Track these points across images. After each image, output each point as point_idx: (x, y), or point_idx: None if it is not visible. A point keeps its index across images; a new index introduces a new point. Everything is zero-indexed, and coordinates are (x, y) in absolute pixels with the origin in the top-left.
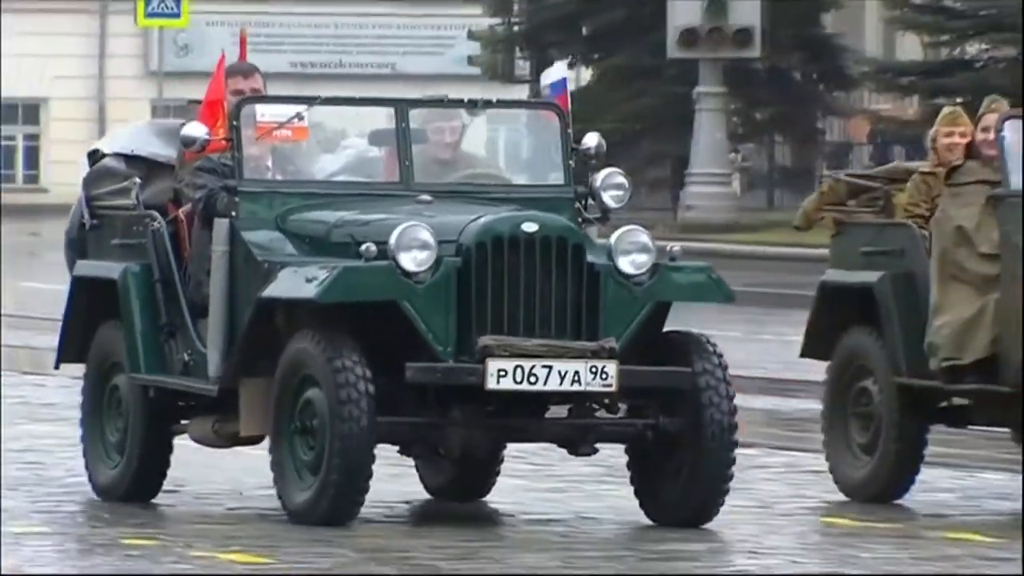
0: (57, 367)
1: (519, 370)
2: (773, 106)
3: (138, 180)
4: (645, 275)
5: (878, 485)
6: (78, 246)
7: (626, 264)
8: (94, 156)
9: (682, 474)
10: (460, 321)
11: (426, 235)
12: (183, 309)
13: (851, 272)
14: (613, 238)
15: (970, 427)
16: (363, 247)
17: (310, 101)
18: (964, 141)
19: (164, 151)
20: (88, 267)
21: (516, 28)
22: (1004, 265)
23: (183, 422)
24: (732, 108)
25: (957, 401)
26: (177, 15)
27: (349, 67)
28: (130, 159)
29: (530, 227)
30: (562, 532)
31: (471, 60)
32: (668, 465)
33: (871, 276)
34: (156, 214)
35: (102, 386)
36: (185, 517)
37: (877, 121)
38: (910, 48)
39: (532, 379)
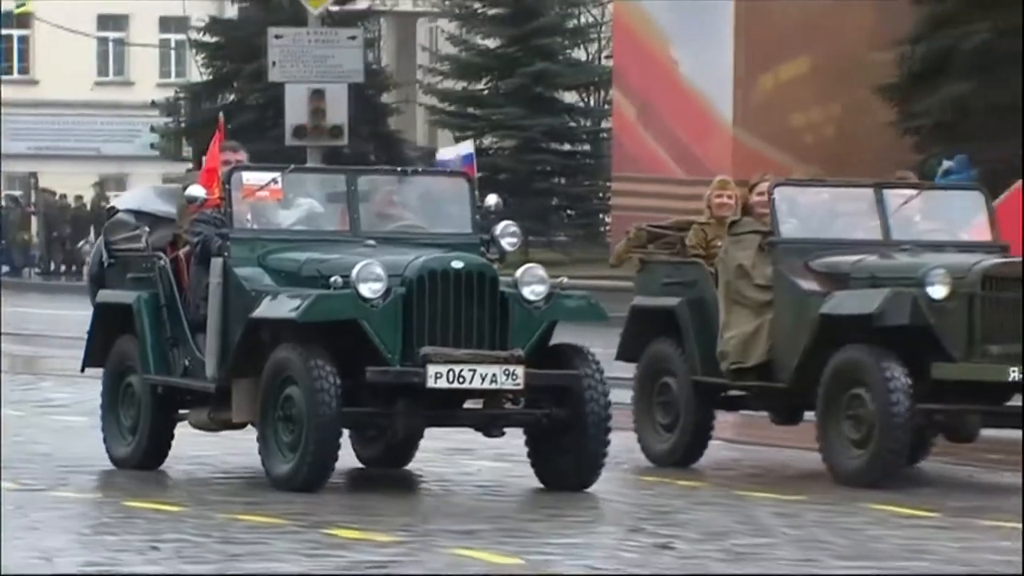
0: (83, 370)
1: (451, 373)
2: None
3: (147, 229)
4: (542, 301)
5: (677, 455)
6: (98, 280)
7: (528, 292)
8: (111, 212)
9: (569, 451)
10: (405, 335)
11: (379, 270)
12: (184, 326)
13: (655, 298)
14: (517, 273)
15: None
16: (332, 279)
17: (283, 169)
18: (731, 201)
19: (164, 208)
20: (108, 295)
21: (182, 124)
22: (776, 293)
23: (182, 411)
24: None
25: (734, 393)
26: None
27: (69, 150)
28: (138, 214)
29: (457, 264)
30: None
31: (153, 146)
32: (559, 444)
33: (672, 301)
34: (162, 254)
35: (118, 383)
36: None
37: None
38: (447, 139)
39: (461, 379)
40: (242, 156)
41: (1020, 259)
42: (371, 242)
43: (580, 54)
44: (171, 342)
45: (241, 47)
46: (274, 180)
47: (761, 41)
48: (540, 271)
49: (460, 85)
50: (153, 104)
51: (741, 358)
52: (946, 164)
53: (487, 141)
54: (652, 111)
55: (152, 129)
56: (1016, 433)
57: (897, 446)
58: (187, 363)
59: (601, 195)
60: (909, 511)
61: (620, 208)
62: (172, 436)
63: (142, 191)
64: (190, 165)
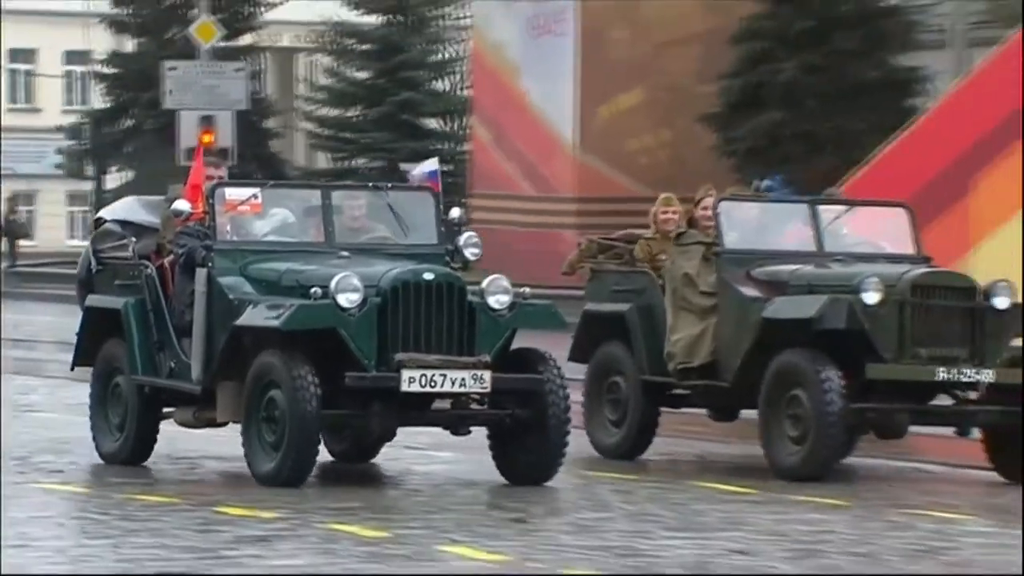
0: (72, 369)
1: (423, 377)
2: None
3: (134, 239)
4: (506, 310)
5: (624, 448)
6: (86, 285)
7: (493, 302)
8: (99, 222)
9: (532, 448)
10: (380, 342)
11: (356, 282)
12: (169, 331)
13: (606, 304)
14: (483, 283)
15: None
16: (312, 290)
17: (263, 185)
18: (675, 216)
19: (148, 218)
20: (97, 300)
21: (86, 146)
22: (720, 299)
23: (167, 410)
24: None
25: (678, 391)
26: None
27: None
28: (124, 224)
29: (428, 276)
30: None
31: (58, 166)
32: (521, 442)
33: (622, 307)
34: (148, 263)
35: (106, 383)
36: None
37: None
38: (323, 159)
39: (432, 383)
40: (223, 171)
41: (946, 269)
42: (345, 253)
43: (441, 85)
44: (157, 345)
45: (138, 78)
46: (254, 195)
47: (599, 75)
48: (504, 282)
49: (335, 112)
50: (59, 128)
51: (687, 359)
52: (765, 183)
53: (359, 162)
54: (505, 136)
55: (58, 151)
56: (944, 430)
57: (832, 443)
58: (173, 365)
59: (460, 209)
60: (733, 488)
61: (478, 221)
62: (157, 432)
63: (128, 202)
64: (93, 182)
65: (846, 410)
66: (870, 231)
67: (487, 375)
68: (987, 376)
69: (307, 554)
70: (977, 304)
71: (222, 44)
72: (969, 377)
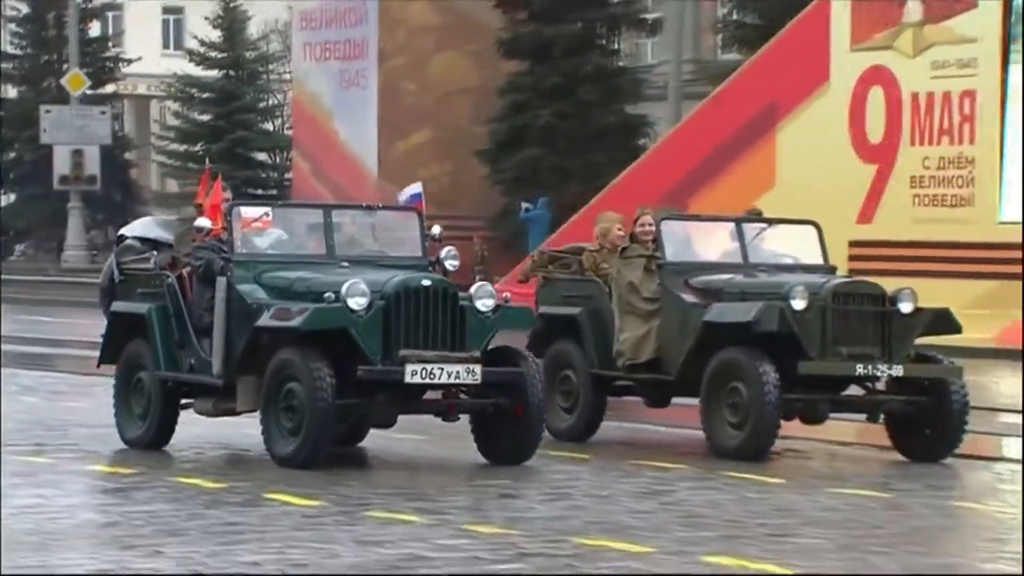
0: (99, 366)
1: (424, 370)
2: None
3: (155, 253)
4: (491, 312)
5: (576, 432)
6: (109, 294)
7: (480, 305)
8: (120, 238)
9: (512, 433)
10: (385, 340)
11: (364, 287)
12: (189, 332)
13: (558, 307)
14: (472, 289)
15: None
16: (326, 295)
17: (273, 204)
18: (623, 233)
19: (164, 235)
20: (122, 306)
21: None
22: (663, 304)
23: (185, 401)
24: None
25: (622, 383)
26: None
27: None
28: (142, 240)
29: (426, 282)
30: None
31: None
32: (502, 428)
33: (574, 310)
34: (169, 273)
35: (130, 378)
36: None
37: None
38: (173, 184)
39: (432, 376)
40: (228, 194)
41: (861, 279)
42: (345, 264)
43: (269, 126)
44: (178, 345)
45: (20, 118)
46: (266, 213)
47: (395, 119)
48: (490, 288)
49: (182, 147)
50: None
51: (634, 355)
52: (527, 206)
53: None
54: (320, 167)
55: None
56: (857, 416)
57: (770, 428)
58: (193, 362)
59: None
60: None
61: None
62: (176, 421)
63: (145, 222)
64: None
65: (780, 400)
66: (785, 245)
67: (478, 369)
68: (898, 371)
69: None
70: (886, 309)
71: (89, 92)
72: (883, 372)
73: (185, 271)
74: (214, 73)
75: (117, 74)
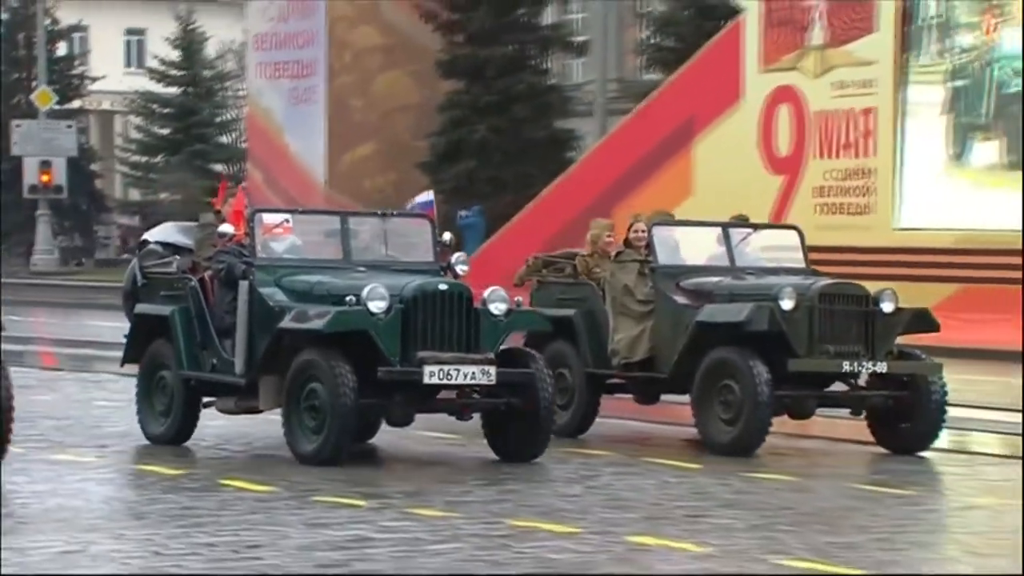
0: (122, 365)
1: (441, 371)
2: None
3: (177, 257)
4: (503, 315)
5: (572, 428)
6: (132, 296)
7: (493, 309)
8: (143, 243)
9: (523, 431)
10: (404, 342)
11: (384, 291)
12: (211, 333)
13: (553, 309)
14: (485, 294)
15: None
16: (347, 298)
17: (293, 212)
18: (614, 240)
19: (184, 240)
20: (145, 308)
21: None
22: (656, 305)
23: (206, 399)
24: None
25: (614, 381)
26: None
27: None
28: (164, 244)
29: (443, 286)
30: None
31: None
32: (513, 426)
33: (569, 312)
34: (192, 277)
35: (152, 376)
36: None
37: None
38: (135, 193)
39: (449, 376)
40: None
41: (846, 281)
42: (362, 268)
43: (225, 139)
44: (200, 345)
45: None
46: (286, 220)
47: (343, 133)
48: (502, 292)
49: (143, 159)
50: None
51: (629, 355)
52: (464, 213)
53: (162, 196)
54: (273, 177)
55: None
56: (842, 411)
57: (762, 423)
58: (215, 362)
59: None
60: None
61: None
62: (197, 418)
63: (166, 227)
64: None
65: (772, 396)
66: (769, 249)
67: (492, 370)
68: (882, 367)
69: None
70: (869, 309)
71: (57, 107)
72: (868, 369)
73: (206, 274)
74: (173, 90)
75: (83, 91)
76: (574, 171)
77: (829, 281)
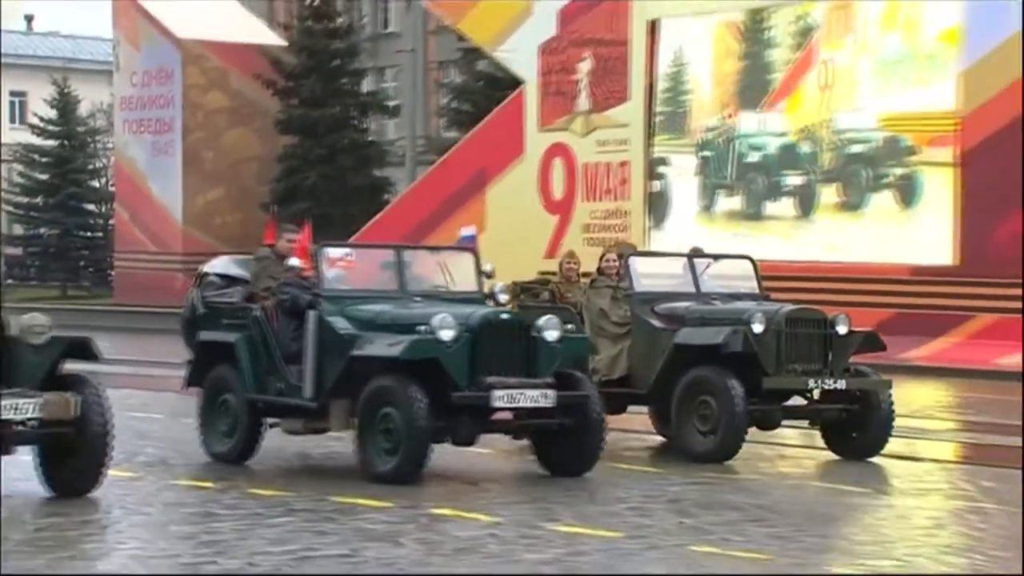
0: (185, 388)
1: (507, 395)
2: None
3: (239, 288)
4: (558, 342)
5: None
6: (191, 324)
7: (548, 335)
8: (203, 275)
9: (574, 448)
10: (472, 368)
11: (453, 320)
12: (276, 359)
13: None
14: (540, 322)
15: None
16: (420, 327)
17: (353, 248)
18: (577, 267)
19: (240, 272)
20: (209, 335)
21: None
22: (634, 328)
23: (270, 420)
24: None
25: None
26: None
27: None
28: (221, 276)
29: (505, 316)
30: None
31: None
32: (564, 443)
33: None
34: (256, 306)
35: (215, 399)
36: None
37: None
38: (19, 228)
39: (514, 400)
40: (301, 235)
41: (807, 307)
42: (418, 299)
43: (96, 183)
44: (265, 370)
45: None
46: (349, 253)
47: (197, 179)
48: (556, 320)
49: (26, 199)
50: None
51: (609, 372)
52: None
53: (42, 230)
54: (138, 216)
55: None
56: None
57: (738, 434)
58: (281, 386)
59: (108, 259)
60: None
61: (119, 268)
62: (260, 439)
63: (223, 260)
64: None
65: (747, 410)
66: (726, 277)
67: (552, 393)
68: (841, 384)
69: None
70: (827, 332)
71: None
72: (829, 385)
73: (268, 304)
74: (52, 142)
75: None
76: (389, 211)
77: (793, 307)
